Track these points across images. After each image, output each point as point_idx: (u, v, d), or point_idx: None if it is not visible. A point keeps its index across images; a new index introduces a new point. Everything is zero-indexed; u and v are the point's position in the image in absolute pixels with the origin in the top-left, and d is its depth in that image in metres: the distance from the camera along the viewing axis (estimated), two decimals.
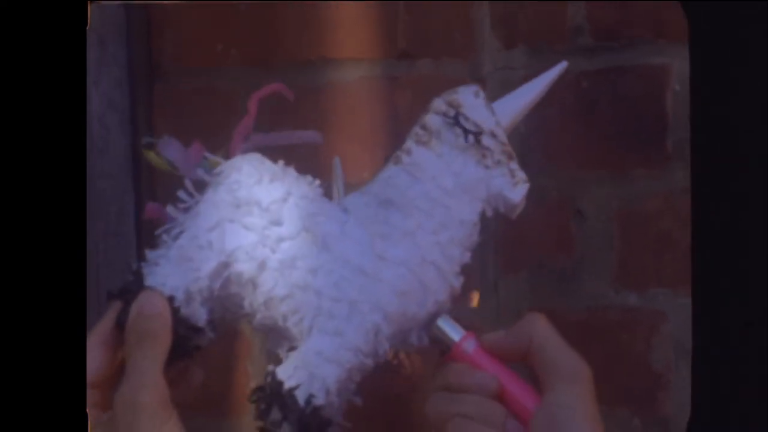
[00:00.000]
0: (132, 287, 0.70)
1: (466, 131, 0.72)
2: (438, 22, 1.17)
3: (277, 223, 0.70)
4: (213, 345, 1.08)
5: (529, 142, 1.18)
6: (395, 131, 1.16)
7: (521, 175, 0.73)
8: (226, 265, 0.70)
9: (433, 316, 0.71)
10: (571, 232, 1.14)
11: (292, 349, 0.71)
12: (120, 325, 0.70)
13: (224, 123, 1.24)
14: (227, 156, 0.73)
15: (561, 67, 0.75)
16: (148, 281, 0.70)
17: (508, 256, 1.17)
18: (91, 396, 0.68)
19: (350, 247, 0.70)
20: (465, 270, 0.73)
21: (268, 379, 0.69)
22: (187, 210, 0.72)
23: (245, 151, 0.73)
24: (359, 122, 1.16)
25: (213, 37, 1.20)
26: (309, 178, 0.73)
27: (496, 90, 1.20)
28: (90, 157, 1.23)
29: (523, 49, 1.18)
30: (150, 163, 0.73)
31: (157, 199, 1.26)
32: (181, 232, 0.71)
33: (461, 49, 1.18)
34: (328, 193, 0.74)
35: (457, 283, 0.72)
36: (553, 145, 1.17)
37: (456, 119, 0.73)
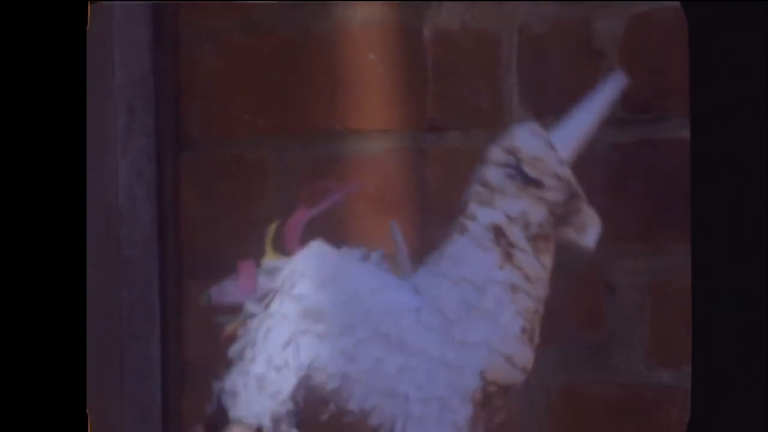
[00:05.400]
0: (217, 421, 0.70)
1: (528, 180, 0.69)
2: (466, 93, 1.16)
3: (351, 328, 0.69)
4: None
5: None
6: (423, 203, 1.15)
7: (592, 216, 0.70)
8: (306, 378, 0.69)
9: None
10: (602, 306, 1.12)
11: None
12: None
13: (251, 191, 1.24)
14: (284, 250, 0.71)
15: (619, 79, 0.71)
16: (233, 413, 0.69)
17: (540, 326, 1.15)
18: None
19: (429, 338, 0.68)
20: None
21: None
22: (254, 321, 0.70)
23: (302, 235, 0.71)
24: (387, 193, 1.15)
25: (240, 106, 1.20)
26: (377, 255, 0.71)
27: None
28: (117, 226, 1.23)
29: (551, 120, 1.17)
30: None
31: (185, 269, 1.25)
32: (255, 353, 0.69)
33: (490, 121, 1.17)
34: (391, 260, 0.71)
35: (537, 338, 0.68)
36: None
37: (517, 168, 0.69)
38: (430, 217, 1.16)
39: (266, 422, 0.69)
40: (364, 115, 1.15)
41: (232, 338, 0.70)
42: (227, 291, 0.71)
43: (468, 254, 0.69)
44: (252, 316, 0.70)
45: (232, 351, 0.70)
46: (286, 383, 0.69)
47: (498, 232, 0.69)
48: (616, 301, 1.12)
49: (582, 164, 1.16)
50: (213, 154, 1.23)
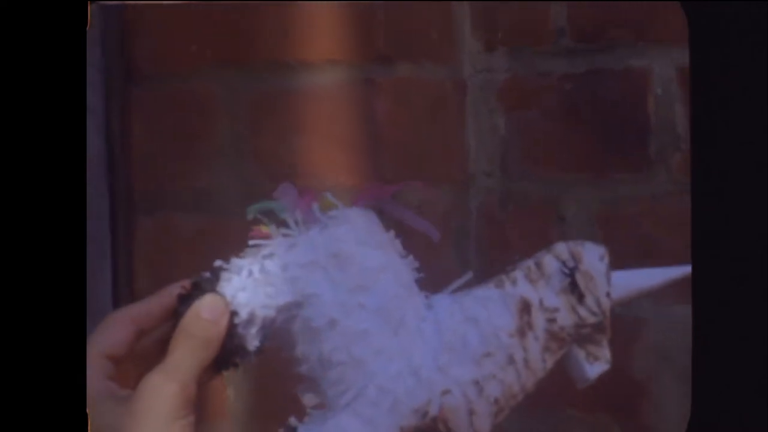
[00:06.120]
0: (204, 286, 0.69)
1: (574, 288, 0.72)
2: (417, 23, 1.16)
3: (364, 290, 0.69)
4: None
5: (510, 145, 1.17)
6: (373, 135, 1.15)
7: (605, 353, 0.73)
8: (298, 305, 0.69)
9: None
10: (552, 235, 1.13)
11: (318, 406, 0.69)
12: (177, 314, 0.69)
13: (201, 125, 1.23)
14: (348, 202, 0.72)
15: (686, 270, 0.73)
16: (222, 287, 0.69)
17: (489, 258, 1.16)
18: (107, 368, 0.69)
19: (418, 345, 0.69)
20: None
21: None
22: (287, 237, 0.70)
23: (367, 205, 0.71)
24: (337, 126, 1.15)
25: (188, 39, 1.19)
26: (411, 260, 0.72)
27: (477, 94, 1.19)
28: None
29: (503, 51, 1.17)
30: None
31: (135, 205, 1.25)
32: (272, 255, 0.70)
33: (441, 52, 1.17)
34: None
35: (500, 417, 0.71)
36: (534, 148, 1.16)
37: (572, 272, 0.72)
38: (381, 149, 1.16)
39: (244, 313, 0.69)
40: (313, 47, 1.14)
41: (261, 237, 0.70)
42: (288, 193, 0.71)
43: (492, 305, 0.71)
44: (287, 233, 0.70)
45: (253, 242, 0.70)
46: (283, 295, 0.69)
47: (525, 307, 0.72)
48: (566, 230, 1.13)
49: (533, 94, 1.16)
50: (161, 88, 1.22)
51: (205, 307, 0.68)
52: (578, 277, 0.72)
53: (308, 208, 0.71)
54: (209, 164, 1.21)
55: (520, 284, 0.71)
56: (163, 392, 0.66)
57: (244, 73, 1.17)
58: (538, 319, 0.71)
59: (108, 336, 0.69)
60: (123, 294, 1.25)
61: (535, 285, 0.71)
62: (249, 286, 0.69)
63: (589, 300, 0.72)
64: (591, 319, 0.72)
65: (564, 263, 0.72)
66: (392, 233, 0.72)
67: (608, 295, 0.72)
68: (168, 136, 1.23)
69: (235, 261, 0.70)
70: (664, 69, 1.09)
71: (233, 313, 0.69)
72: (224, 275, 0.69)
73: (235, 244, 0.70)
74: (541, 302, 0.71)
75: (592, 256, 0.72)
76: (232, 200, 1.19)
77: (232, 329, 0.69)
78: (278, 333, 0.70)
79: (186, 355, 0.68)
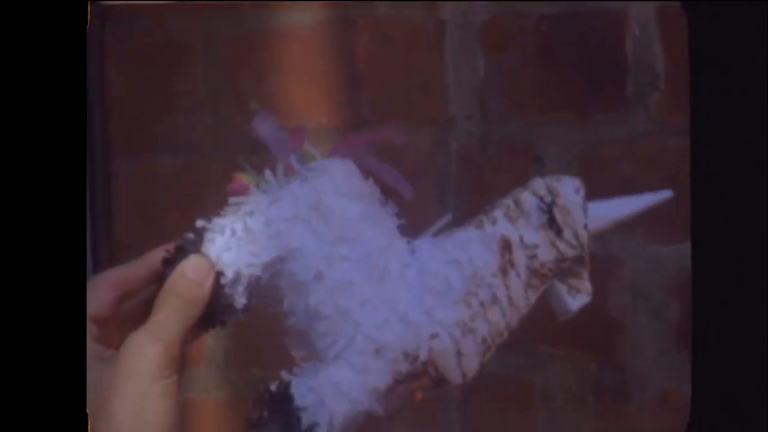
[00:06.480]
0: (188, 248, 0.69)
1: (552, 222, 0.73)
2: None
3: (347, 241, 0.70)
4: None
5: (490, 87, 1.17)
6: (353, 75, 1.15)
7: (586, 285, 0.74)
8: (282, 260, 0.70)
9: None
10: (530, 177, 1.14)
11: (309, 357, 0.70)
12: (162, 278, 0.69)
13: (177, 66, 1.22)
14: (326, 153, 0.72)
15: (665, 194, 0.74)
16: (206, 247, 0.69)
17: (468, 200, 1.17)
18: (91, 329, 0.69)
19: (403, 291, 0.70)
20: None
21: (279, 388, 0.69)
22: (267, 193, 0.71)
23: (344, 156, 0.71)
24: (316, 65, 1.14)
25: None
26: (392, 206, 0.72)
27: (456, 35, 1.19)
28: None
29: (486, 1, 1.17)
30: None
31: (112, 152, 1.24)
32: (253, 212, 0.70)
33: None
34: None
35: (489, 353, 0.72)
36: (513, 90, 1.16)
37: (550, 207, 0.73)
38: (360, 89, 1.16)
39: (230, 273, 0.69)
40: None
41: (241, 189, 0.70)
42: (268, 125, 0.71)
43: (473, 246, 0.72)
44: (268, 183, 0.70)
45: (233, 200, 0.70)
46: (267, 252, 0.69)
47: (506, 246, 0.73)
48: (546, 172, 1.14)
49: (512, 36, 1.16)
50: (136, 27, 1.21)
51: (189, 267, 0.69)
52: (556, 212, 0.73)
53: (299, 147, 0.71)
54: (187, 105, 1.20)
55: (499, 223, 0.72)
56: (147, 352, 0.66)
57: (222, 12, 1.16)
58: (519, 256, 0.72)
59: (92, 299, 0.69)
60: (101, 240, 1.25)
61: (514, 223, 0.72)
62: (233, 245, 0.69)
63: (568, 234, 0.73)
64: (570, 253, 0.73)
65: (541, 199, 0.73)
66: (371, 181, 0.72)
67: (586, 227, 0.73)
68: (144, 76, 1.22)
69: (218, 220, 0.70)
70: (642, 9, 1.09)
71: (219, 274, 0.69)
72: (207, 235, 0.69)
73: (214, 185, 0.70)
74: (521, 239, 0.72)
75: (568, 189, 0.73)
76: (210, 141, 1.18)
77: (218, 289, 0.69)
78: (265, 289, 0.70)
79: (170, 315, 0.68)
